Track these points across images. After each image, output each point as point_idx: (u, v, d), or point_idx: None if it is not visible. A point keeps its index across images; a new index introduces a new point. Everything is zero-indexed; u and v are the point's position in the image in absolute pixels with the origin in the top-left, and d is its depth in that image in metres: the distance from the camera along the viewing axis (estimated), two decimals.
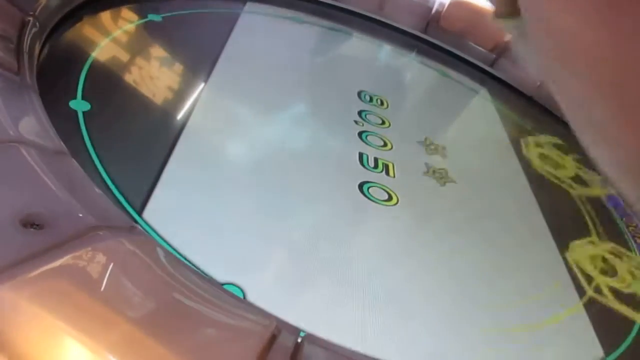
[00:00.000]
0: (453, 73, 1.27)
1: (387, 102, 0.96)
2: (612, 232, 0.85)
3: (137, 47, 0.81)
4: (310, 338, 0.39)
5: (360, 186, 0.69)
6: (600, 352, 0.59)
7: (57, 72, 0.65)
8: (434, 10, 1.35)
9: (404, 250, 0.63)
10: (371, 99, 0.94)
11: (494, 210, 0.78)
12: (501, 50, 1.31)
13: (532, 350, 0.57)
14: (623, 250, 0.79)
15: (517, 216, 0.79)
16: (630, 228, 0.87)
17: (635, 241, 0.83)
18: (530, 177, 0.91)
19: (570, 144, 1.13)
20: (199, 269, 0.47)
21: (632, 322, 0.65)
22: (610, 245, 0.80)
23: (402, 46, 1.31)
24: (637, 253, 0.80)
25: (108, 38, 0.77)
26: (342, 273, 0.55)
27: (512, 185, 0.87)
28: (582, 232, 0.84)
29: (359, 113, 0.88)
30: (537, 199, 0.85)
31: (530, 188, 0.88)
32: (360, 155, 0.75)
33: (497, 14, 0.19)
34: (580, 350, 0.59)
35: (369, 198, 0.67)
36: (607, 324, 0.64)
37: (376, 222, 0.65)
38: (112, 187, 0.52)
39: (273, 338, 0.35)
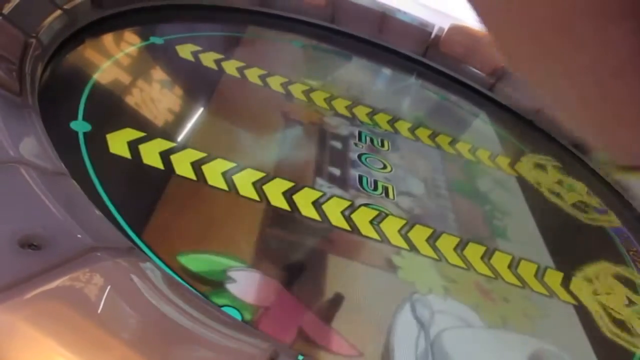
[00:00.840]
0: (452, 97, 1.28)
1: (386, 125, 0.96)
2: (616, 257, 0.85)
3: (138, 69, 0.81)
4: None
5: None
6: None
7: (59, 94, 0.65)
8: (433, 35, 1.36)
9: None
10: (371, 122, 0.95)
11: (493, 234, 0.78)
12: (500, 75, 1.32)
13: None
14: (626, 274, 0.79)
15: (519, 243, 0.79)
16: (631, 252, 0.86)
17: (635, 265, 0.83)
18: (528, 200, 0.91)
19: (572, 168, 1.14)
20: (197, 291, 0.47)
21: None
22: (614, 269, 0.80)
23: (401, 70, 1.32)
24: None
25: (110, 60, 0.77)
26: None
27: (512, 209, 0.87)
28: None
29: (359, 135, 0.88)
30: (538, 225, 0.85)
31: (530, 212, 0.88)
32: (360, 177, 0.75)
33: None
34: None
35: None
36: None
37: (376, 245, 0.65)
38: (112, 208, 0.51)
39: None
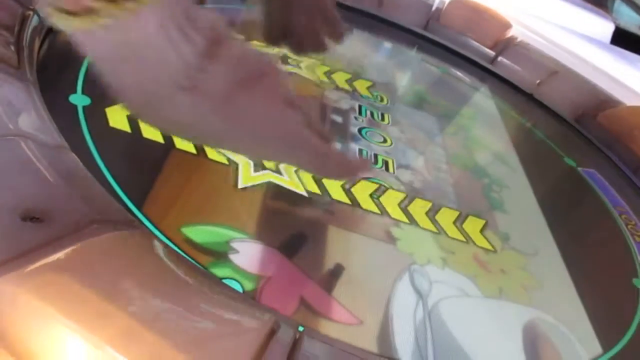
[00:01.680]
0: (453, 70, 1.28)
1: (386, 98, 0.96)
2: (610, 229, 0.86)
3: None
4: (310, 333, 0.39)
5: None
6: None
7: (57, 67, 0.65)
8: (434, 8, 1.35)
9: None
10: (371, 95, 0.95)
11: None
12: (501, 48, 1.31)
13: None
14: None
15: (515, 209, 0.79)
16: (630, 227, 0.87)
17: (634, 239, 0.83)
18: (528, 172, 0.91)
19: (570, 142, 1.14)
20: (198, 263, 0.47)
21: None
22: None
23: (401, 43, 1.31)
24: (637, 253, 0.80)
25: None
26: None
27: (512, 182, 0.87)
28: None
29: (359, 109, 0.88)
30: (535, 195, 0.85)
31: (529, 184, 0.88)
32: (360, 151, 0.75)
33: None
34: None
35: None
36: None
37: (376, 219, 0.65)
38: (112, 181, 0.52)
39: (272, 333, 0.35)
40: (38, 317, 0.28)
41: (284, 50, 0.51)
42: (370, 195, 0.67)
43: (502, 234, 0.72)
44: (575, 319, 0.63)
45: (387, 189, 0.70)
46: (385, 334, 0.50)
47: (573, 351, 0.58)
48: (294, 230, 0.59)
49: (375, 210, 0.65)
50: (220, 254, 0.51)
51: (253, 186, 0.61)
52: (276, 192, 0.62)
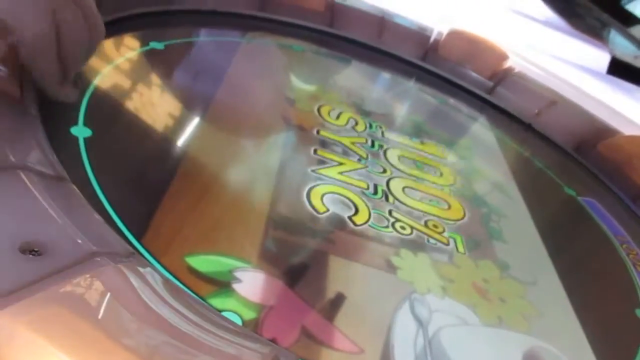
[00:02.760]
0: (452, 100, 1.29)
1: (385, 129, 0.97)
2: (611, 258, 0.85)
3: (139, 74, 0.82)
4: None
5: None
6: None
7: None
8: (432, 39, 1.37)
9: None
10: (370, 126, 0.95)
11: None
12: (499, 79, 1.32)
13: None
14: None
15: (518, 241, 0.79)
16: (631, 256, 0.86)
17: (636, 269, 0.83)
18: (527, 202, 0.91)
19: (569, 171, 1.14)
20: (198, 296, 0.47)
21: None
22: None
23: (400, 74, 1.32)
24: (639, 283, 0.80)
25: (110, 65, 0.78)
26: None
27: (511, 211, 0.87)
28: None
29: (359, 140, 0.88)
30: (535, 224, 0.85)
31: (529, 214, 0.88)
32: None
33: None
34: None
35: (372, 227, 0.67)
36: None
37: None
38: (112, 213, 0.52)
39: None
40: (35, 351, 0.28)
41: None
42: (370, 225, 0.67)
43: (501, 262, 0.71)
44: (577, 350, 0.62)
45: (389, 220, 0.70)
46: None
47: None
48: (296, 260, 0.59)
49: (376, 238, 0.66)
50: (223, 283, 0.51)
51: (256, 213, 0.61)
52: (278, 221, 0.62)
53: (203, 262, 0.52)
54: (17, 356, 0.28)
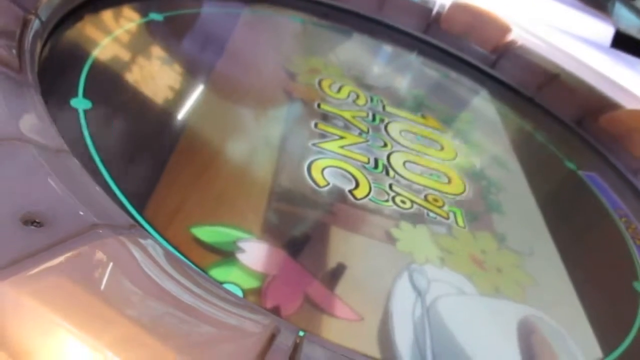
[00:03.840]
0: (453, 74, 1.28)
1: (386, 103, 0.96)
2: (610, 232, 0.86)
3: (138, 46, 0.81)
4: (310, 337, 0.39)
5: None
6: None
7: (59, 71, 0.65)
8: (434, 12, 1.35)
9: None
10: (372, 100, 0.95)
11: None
12: (501, 52, 1.31)
13: None
14: None
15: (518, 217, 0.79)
16: (630, 230, 0.87)
17: (634, 242, 0.83)
18: (528, 175, 0.91)
19: (571, 145, 1.14)
20: (198, 267, 0.48)
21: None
22: None
23: (402, 47, 1.31)
24: (637, 256, 0.80)
25: (109, 37, 0.77)
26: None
27: (511, 184, 0.87)
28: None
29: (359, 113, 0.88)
30: (535, 197, 0.85)
31: (529, 187, 0.88)
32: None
33: None
34: None
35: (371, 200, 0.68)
36: None
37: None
38: (113, 185, 0.52)
39: (272, 337, 0.35)
40: (39, 320, 0.28)
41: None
42: (370, 199, 0.67)
43: (499, 234, 0.72)
44: (575, 322, 0.63)
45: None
46: (385, 330, 0.51)
47: (573, 355, 0.58)
48: (298, 231, 0.60)
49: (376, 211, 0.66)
50: (227, 253, 0.52)
51: (259, 185, 0.62)
52: (280, 194, 0.63)
53: (207, 233, 0.53)
54: (20, 326, 0.28)
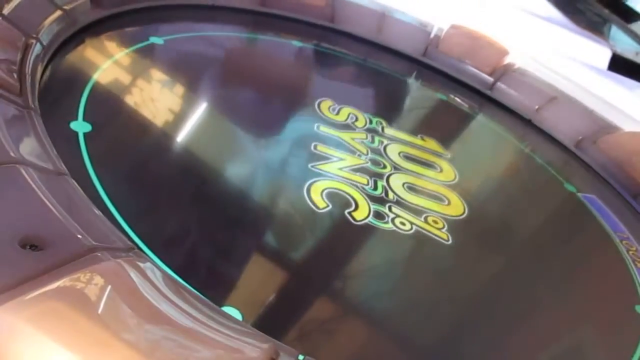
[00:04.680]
0: (452, 96, 1.28)
1: (385, 124, 0.96)
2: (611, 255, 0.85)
3: (138, 69, 0.81)
4: None
5: None
6: None
7: (59, 94, 0.65)
8: (432, 35, 1.36)
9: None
10: (371, 121, 0.95)
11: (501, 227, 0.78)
12: (499, 74, 1.32)
13: None
14: None
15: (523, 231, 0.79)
16: (631, 252, 0.86)
17: (635, 265, 0.83)
18: (527, 198, 0.91)
19: (570, 168, 1.14)
20: (198, 290, 0.47)
21: None
22: None
23: (400, 69, 1.32)
24: (638, 279, 0.80)
25: (110, 60, 0.77)
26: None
27: (510, 206, 0.87)
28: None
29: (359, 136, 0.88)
30: (536, 222, 0.85)
31: (529, 209, 0.88)
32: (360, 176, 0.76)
33: None
34: None
35: (369, 221, 0.67)
36: None
37: (376, 243, 0.65)
38: (112, 208, 0.51)
39: None
40: (35, 346, 0.28)
41: None
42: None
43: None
44: (577, 346, 0.62)
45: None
46: None
47: None
48: (296, 255, 0.60)
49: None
50: None
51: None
52: (278, 216, 0.62)
53: None
54: (18, 351, 0.28)
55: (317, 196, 0.68)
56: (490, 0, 1.56)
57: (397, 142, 0.92)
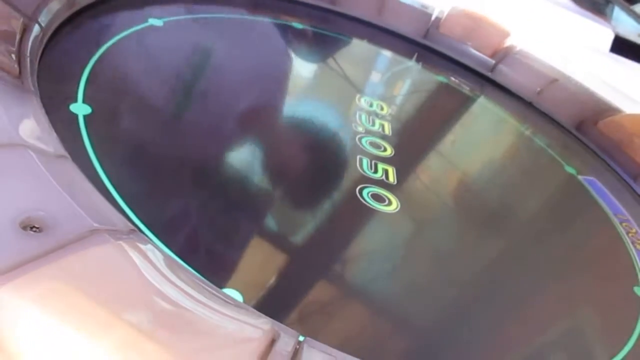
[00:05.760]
0: (453, 78, 1.28)
1: (386, 107, 0.96)
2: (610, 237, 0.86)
3: (137, 51, 0.81)
4: (310, 342, 0.39)
5: (360, 191, 0.68)
6: None
7: (58, 76, 0.65)
8: (433, 17, 1.35)
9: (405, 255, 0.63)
10: (371, 104, 0.95)
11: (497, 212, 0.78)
12: (501, 56, 1.31)
13: None
14: None
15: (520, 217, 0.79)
16: (630, 234, 0.87)
17: (635, 247, 0.83)
18: (527, 180, 0.91)
19: (570, 150, 1.14)
20: (198, 272, 0.47)
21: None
22: None
23: (401, 52, 1.31)
24: (638, 260, 0.80)
25: (109, 42, 0.77)
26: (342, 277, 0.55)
27: (511, 186, 0.87)
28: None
29: (359, 118, 0.88)
30: (536, 204, 0.85)
31: (529, 192, 0.88)
32: (360, 159, 0.75)
33: None
34: None
35: (368, 203, 0.67)
36: None
37: (376, 226, 0.65)
38: (113, 190, 0.52)
39: (272, 342, 0.35)
40: (37, 326, 0.28)
41: None
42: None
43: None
44: (576, 327, 0.63)
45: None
46: None
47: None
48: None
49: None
50: None
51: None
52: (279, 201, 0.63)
53: None
54: (20, 331, 0.28)
55: None
56: None
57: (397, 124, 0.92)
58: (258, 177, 0.66)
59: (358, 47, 1.25)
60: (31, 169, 0.39)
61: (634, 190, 1.03)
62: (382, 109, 0.95)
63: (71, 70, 0.67)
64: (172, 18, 0.94)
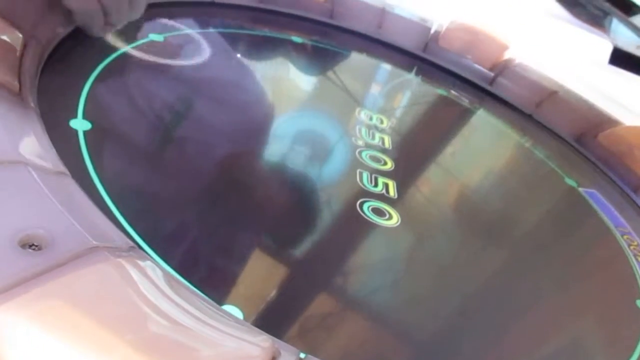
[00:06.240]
0: (452, 91, 1.28)
1: (386, 121, 0.96)
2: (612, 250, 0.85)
3: (138, 67, 0.81)
4: (310, 359, 0.39)
5: (361, 205, 0.68)
6: None
7: (58, 92, 0.65)
8: (432, 30, 1.36)
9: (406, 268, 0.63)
10: (371, 118, 0.95)
11: (498, 224, 0.78)
12: (500, 69, 1.32)
13: None
14: None
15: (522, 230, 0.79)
16: (632, 247, 0.86)
17: (637, 260, 0.83)
18: (528, 193, 0.91)
19: (570, 162, 1.14)
20: (198, 288, 0.47)
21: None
22: None
23: (400, 65, 1.32)
24: (639, 272, 0.80)
25: (109, 57, 0.77)
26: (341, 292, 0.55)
27: (512, 199, 0.87)
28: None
29: (359, 131, 0.88)
30: (537, 217, 0.85)
31: (529, 204, 0.88)
32: (360, 173, 0.75)
33: None
34: None
35: (369, 217, 0.67)
36: None
37: (376, 240, 0.65)
38: (112, 207, 0.51)
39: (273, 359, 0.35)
40: (37, 345, 0.28)
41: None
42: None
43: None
44: (578, 341, 0.62)
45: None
46: None
47: None
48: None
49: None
50: None
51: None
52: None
53: None
54: (18, 352, 0.28)
55: None
56: None
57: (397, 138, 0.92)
58: (257, 191, 0.66)
59: (357, 60, 1.26)
60: (30, 185, 0.39)
61: (635, 203, 1.03)
62: (382, 122, 0.95)
63: (71, 86, 0.67)
64: (172, 33, 0.94)
